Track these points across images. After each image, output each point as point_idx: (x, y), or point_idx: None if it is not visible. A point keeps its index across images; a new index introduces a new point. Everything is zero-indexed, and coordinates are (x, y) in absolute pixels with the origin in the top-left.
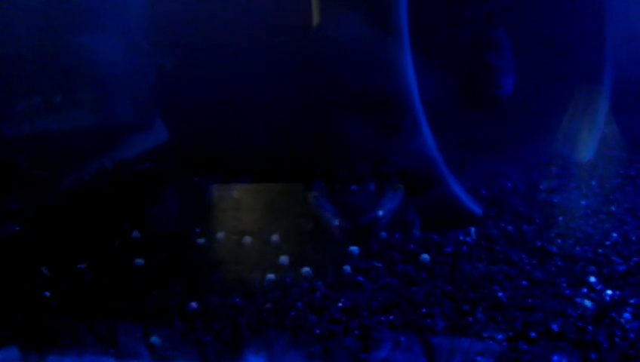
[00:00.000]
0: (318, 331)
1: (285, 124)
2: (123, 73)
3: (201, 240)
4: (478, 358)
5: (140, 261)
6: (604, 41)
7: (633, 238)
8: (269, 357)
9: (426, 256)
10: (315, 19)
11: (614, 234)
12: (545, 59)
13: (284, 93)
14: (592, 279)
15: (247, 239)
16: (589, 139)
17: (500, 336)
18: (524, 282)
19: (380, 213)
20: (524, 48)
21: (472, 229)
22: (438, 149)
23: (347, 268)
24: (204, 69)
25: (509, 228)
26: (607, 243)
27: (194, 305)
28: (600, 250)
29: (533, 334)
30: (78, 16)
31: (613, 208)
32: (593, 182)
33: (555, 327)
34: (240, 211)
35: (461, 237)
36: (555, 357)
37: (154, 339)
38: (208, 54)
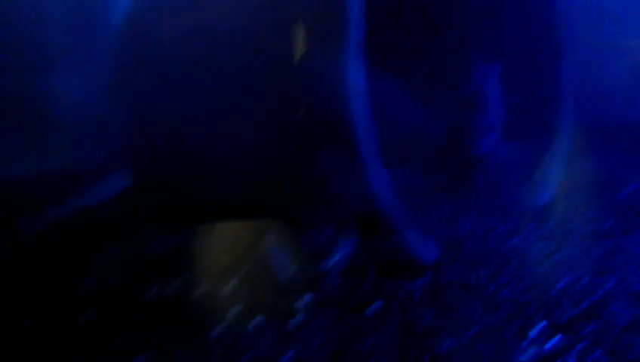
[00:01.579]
0: None
1: (245, 169)
2: (90, 116)
3: (153, 291)
4: None
5: (88, 315)
6: (561, 80)
7: (584, 282)
8: None
9: (377, 304)
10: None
11: (566, 278)
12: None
13: (244, 137)
14: (541, 324)
15: (203, 288)
16: (549, 180)
17: None
18: (472, 329)
19: (335, 259)
20: None
21: (427, 275)
22: (396, 192)
23: (299, 317)
24: (170, 114)
25: (463, 273)
26: (559, 286)
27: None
28: (551, 294)
29: None
30: (43, 58)
31: (567, 251)
32: (551, 224)
33: None
34: (197, 259)
35: (414, 284)
36: None
37: None
38: (175, 99)
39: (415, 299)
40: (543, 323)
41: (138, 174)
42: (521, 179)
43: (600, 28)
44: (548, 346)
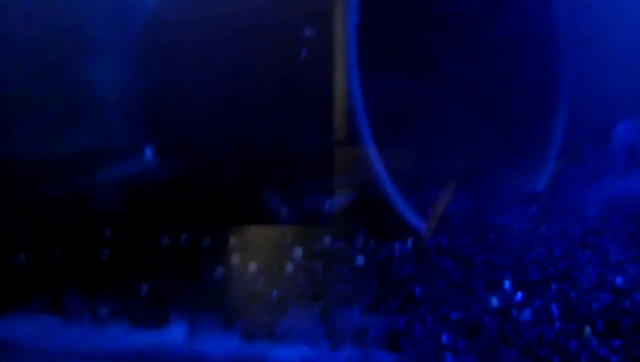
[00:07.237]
0: None
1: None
2: (117, 96)
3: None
4: None
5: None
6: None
7: (555, 254)
8: None
9: (361, 259)
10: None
11: (538, 249)
12: None
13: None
14: (506, 283)
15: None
16: (541, 173)
17: None
18: (443, 281)
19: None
20: None
21: (408, 240)
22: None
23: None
24: (184, 95)
25: (441, 240)
26: (528, 256)
27: None
28: (519, 262)
29: None
30: (80, 44)
31: (544, 229)
32: (534, 208)
33: None
34: None
35: (394, 245)
36: None
37: None
38: (188, 84)
39: (395, 256)
40: (507, 283)
41: (159, 148)
42: (515, 171)
43: None
44: (508, 301)
